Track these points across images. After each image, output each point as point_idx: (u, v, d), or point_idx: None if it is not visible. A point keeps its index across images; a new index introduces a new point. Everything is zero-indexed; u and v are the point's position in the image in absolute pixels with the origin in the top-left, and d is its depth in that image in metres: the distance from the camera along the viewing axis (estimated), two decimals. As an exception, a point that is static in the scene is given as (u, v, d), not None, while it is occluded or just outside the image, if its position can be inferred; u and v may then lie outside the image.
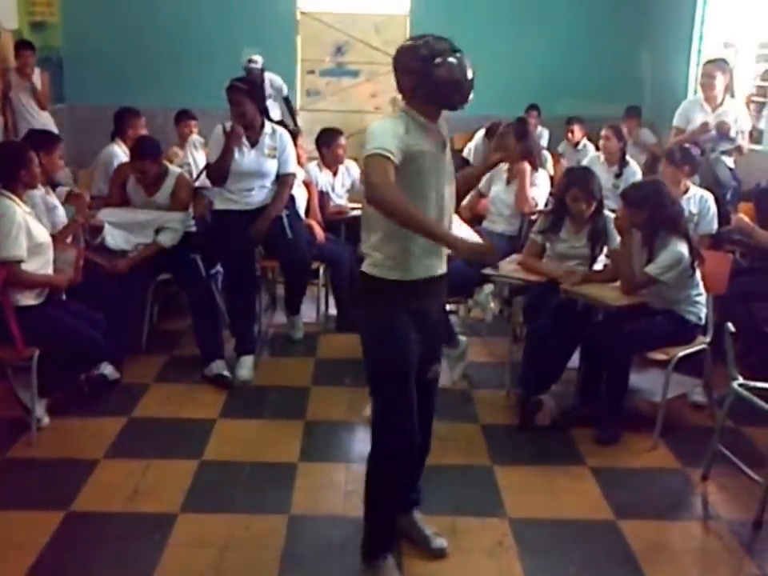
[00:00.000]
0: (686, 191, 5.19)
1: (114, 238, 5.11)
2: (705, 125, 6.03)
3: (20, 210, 4.14)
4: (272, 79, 8.83)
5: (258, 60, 8.53)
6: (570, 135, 8.56)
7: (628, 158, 6.60)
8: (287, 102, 9.04)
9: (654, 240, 4.34)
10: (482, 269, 4.72)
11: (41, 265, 4.25)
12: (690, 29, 8.82)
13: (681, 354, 4.30)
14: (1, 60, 8.28)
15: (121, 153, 6.24)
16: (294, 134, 5.79)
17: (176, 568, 3.26)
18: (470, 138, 8.35)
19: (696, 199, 5.21)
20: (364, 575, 3.18)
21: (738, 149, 6.16)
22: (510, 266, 4.92)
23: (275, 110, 8.66)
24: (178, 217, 5.26)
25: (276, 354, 5.59)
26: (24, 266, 4.13)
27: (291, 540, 3.45)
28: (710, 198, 5.22)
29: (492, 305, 5.75)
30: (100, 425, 4.41)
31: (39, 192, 4.58)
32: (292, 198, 5.39)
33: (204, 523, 3.57)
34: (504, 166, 5.85)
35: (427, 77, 2.89)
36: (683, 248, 4.24)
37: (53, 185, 4.90)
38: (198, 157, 6.86)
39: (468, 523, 3.60)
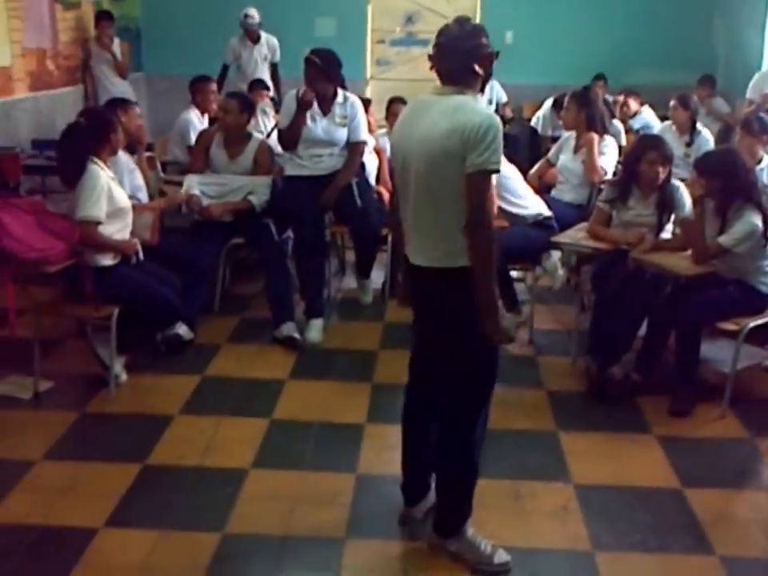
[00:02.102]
0: (760, 161, 5.09)
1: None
2: None
3: (104, 175, 4.27)
4: (268, 38, 8.77)
5: (255, 15, 8.49)
6: (624, 108, 8.41)
7: (700, 126, 6.50)
8: (274, 69, 8.81)
9: (728, 210, 4.28)
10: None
11: (120, 228, 4.38)
12: (766, -1, 8.62)
13: (752, 324, 4.23)
14: (82, 30, 8.51)
15: (195, 119, 6.36)
16: (366, 102, 5.82)
17: (247, 520, 3.36)
18: (539, 107, 8.31)
19: (770, 170, 5.12)
20: (461, 546, 3.19)
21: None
22: (578, 234, 4.90)
23: (266, 71, 8.67)
24: (266, 182, 5.37)
25: (345, 318, 5.67)
26: (102, 229, 4.25)
27: (358, 497, 3.53)
28: (784, 168, 5.12)
29: (560, 272, 5.73)
30: (175, 382, 4.53)
31: (124, 155, 4.75)
32: (362, 166, 5.43)
33: (274, 479, 3.67)
34: (572, 134, 5.82)
35: (492, 60, 2.93)
36: (758, 219, 4.18)
37: (131, 150, 5.03)
38: (268, 124, 6.94)
39: (532, 487, 3.62)
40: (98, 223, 4.22)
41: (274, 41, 8.77)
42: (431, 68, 2.95)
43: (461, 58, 2.87)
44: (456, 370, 3.03)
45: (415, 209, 2.94)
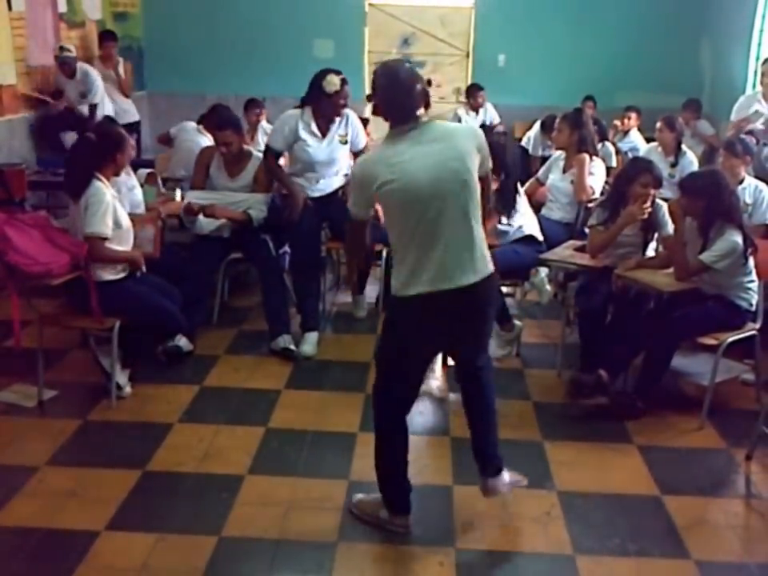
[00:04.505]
0: (742, 181, 5.25)
1: (209, 223, 5.36)
2: (744, 120, 6.11)
3: (109, 193, 4.37)
4: (86, 72, 7.95)
5: (71, 48, 7.88)
6: (625, 121, 8.56)
7: (684, 148, 6.64)
8: (92, 110, 7.90)
9: (710, 229, 4.40)
10: None
11: (122, 245, 4.47)
12: (751, 22, 8.76)
13: (730, 339, 4.35)
14: (86, 49, 8.64)
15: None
16: (364, 121, 5.94)
17: (243, 524, 3.45)
18: (529, 128, 8.49)
19: (751, 189, 5.27)
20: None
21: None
22: (565, 252, 5.02)
23: (107, 104, 8.07)
24: (264, 199, 5.44)
25: (339, 331, 5.74)
26: (107, 244, 4.36)
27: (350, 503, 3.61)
28: (764, 188, 5.26)
29: (548, 287, 5.86)
30: (175, 392, 4.63)
31: (123, 174, 4.82)
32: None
33: (269, 485, 3.76)
34: (561, 154, 5.97)
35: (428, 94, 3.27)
36: (738, 237, 4.30)
37: (134, 166, 5.14)
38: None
39: (518, 494, 3.69)
40: (105, 239, 4.30)
41: (92, 75, 7.95)
42: (373, 113, 3.26)
43: (408, 104, 3.15)
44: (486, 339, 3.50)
45: (453, 231, 3.10)
